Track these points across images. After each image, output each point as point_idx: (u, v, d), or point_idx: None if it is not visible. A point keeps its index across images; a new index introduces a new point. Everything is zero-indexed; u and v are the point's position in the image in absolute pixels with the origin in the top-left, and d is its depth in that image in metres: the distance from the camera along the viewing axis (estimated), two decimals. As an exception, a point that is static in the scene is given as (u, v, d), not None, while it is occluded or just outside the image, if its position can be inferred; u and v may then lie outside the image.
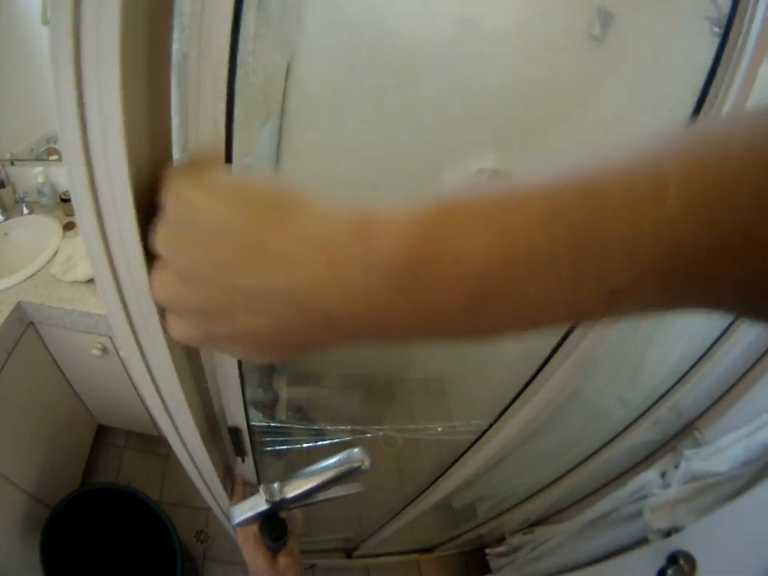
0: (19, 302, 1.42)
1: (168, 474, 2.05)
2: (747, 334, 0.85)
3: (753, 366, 0.85)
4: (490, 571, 1.61)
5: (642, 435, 1.03)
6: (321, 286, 0.20)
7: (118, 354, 1.55)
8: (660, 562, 0.81)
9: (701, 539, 0.80)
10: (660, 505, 0.89)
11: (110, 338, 1.51)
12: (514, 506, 1.38)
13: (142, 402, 1.81)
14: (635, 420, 0.97)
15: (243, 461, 0.75)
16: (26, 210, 1.75)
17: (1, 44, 1.56)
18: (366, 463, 0.52)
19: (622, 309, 0.19)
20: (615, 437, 1.04)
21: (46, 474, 1.65)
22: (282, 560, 0.62)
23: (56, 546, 1.47)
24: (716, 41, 0.98)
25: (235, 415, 0.64)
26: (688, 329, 0.90)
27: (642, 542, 0.96)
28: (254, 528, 0.63)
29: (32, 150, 1.76)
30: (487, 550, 1.59)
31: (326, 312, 0.21)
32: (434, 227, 0.19)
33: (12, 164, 1.74)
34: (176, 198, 0.23)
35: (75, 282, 1.48)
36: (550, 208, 0.18)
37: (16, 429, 1.48)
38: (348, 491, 0.59)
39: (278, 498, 0.54)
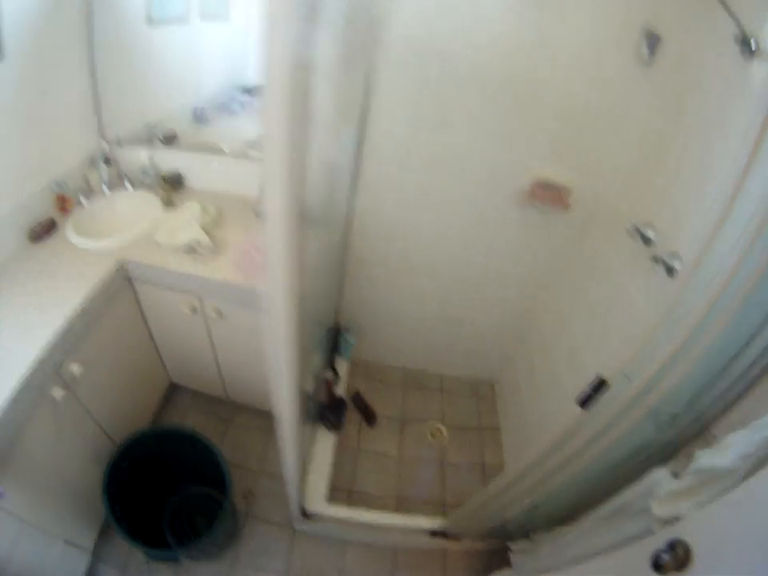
0: (123, 259, 1.63)
1: (227, 438, 2.22)
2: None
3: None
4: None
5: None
6: None
7: (204, 313, 1.76)
8: (658, 546, 0.86)
9: (698, 528, 0.83)
10: (664, 496, 0.93)
11: (200, 300, 1.71)
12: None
13: (217, 364, 2.00)
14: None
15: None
16: (128, 186, 1.99)
17: (110, 40, 1.78)
18: None
19: None
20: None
21: (117, 416, 1.84)
22: None
23: (118, 477, 1.63)
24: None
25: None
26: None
27: (648, 534, 0.99)
28: None
29: (136, 134, 1.99)
30: (509, 544, 1.64)
31: None
32: None
33: (119, 145, 1.98)
34: None
35: (175, 248, 1.68)
36: None
37: (102, 371, 1.68)
38: None
39: None
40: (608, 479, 1.25)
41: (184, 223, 1.76)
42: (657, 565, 0.83)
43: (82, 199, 1.86)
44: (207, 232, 1.73)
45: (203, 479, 1.86)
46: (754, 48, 1.02)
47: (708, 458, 0.89)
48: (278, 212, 0.59)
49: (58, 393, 1.39)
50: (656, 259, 1.28)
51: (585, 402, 1.06)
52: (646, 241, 1.37)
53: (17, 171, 1.63)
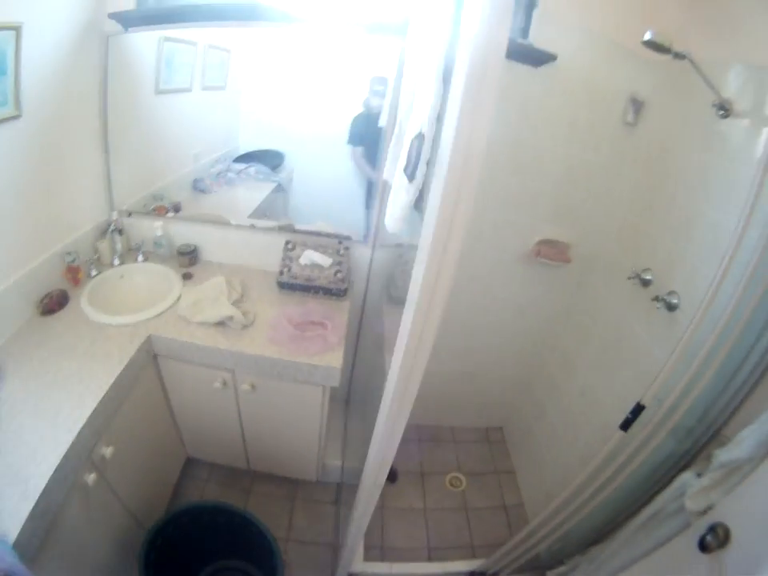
0: (149, 335, 1.62)
1: (249, 507, 2.22)
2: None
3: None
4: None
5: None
6: None
7: (235, 387, 1.79)
8: (701, 532, 1.04)
9: (730, 509, 1.02)
10: (696, 492, 1.12)
11: (232, 374, 1.74)
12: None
13: (243, 435, 2.04)
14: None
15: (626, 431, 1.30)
16: (140, 258, 2.01)
17: (119, 112, 1.86)
18: None
19: None
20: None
21: (140, 495, 1.77)
22: None
23: (151, 557, 1.56)
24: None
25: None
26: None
27: (685, 529, 1.17)
28: None
29: (144, 205, 2.04)
30: (548, 573, 1.76)
31: None
32: None
33: (129, 216, 2.03)
34: None
35: (203, 323, 1.72)
36: None
37: (128, 451, 1.60)
38: None
39: None
40: (637, 494, 1.43)
41: (212, 299, 1.79)
42: (703, 546, 1.02)
43: (93, 270, 1.85)
44: (237, 307, 1.77)
45: (235, 551, 1.86)
46: (728, 108, 1.28)
47: (727, 454, 1.09)
48: (437, 305, 0.77)
49: (90, 478, 1.33)
50: (656, 298, 1.51)
51: (626, 425, 1.27)
52: (645, 283, 1.61)
53: (25, 239, 1.58)
